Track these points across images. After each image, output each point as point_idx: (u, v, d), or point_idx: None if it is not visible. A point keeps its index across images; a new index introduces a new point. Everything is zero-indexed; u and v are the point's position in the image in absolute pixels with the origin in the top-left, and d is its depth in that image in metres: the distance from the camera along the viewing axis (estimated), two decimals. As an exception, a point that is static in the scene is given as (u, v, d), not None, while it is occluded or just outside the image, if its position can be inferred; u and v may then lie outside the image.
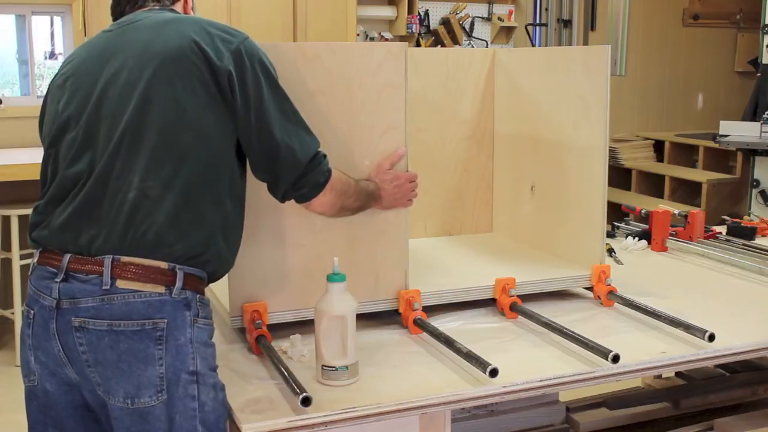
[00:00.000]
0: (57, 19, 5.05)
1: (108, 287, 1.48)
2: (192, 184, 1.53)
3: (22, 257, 4.30)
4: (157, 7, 1.73)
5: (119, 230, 1.50)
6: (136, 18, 1.68)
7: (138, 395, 1.50)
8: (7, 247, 4.32)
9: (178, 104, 1.53)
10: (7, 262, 4.39)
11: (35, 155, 4.43)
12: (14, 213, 4.19)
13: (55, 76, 1.71)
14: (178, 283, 1.52)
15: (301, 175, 1.64)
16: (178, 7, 1.78)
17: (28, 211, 4.23)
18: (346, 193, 1.75)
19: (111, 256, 1.49)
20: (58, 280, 1.51)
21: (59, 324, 1.51)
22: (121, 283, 1.49)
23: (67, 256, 1.52)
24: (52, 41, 5.14)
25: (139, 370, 1.49)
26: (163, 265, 1.51)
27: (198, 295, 1.56)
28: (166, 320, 1.50)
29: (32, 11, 4.94)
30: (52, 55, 5.18)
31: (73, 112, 1.60)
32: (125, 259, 1.49)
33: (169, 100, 1.53)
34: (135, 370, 1.49)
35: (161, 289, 1.51)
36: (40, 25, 5.08)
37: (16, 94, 5.08)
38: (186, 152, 1.53)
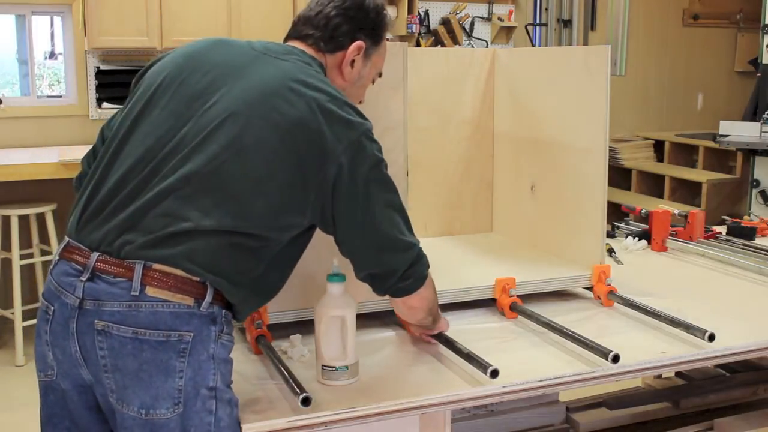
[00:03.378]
0: (57, 19, 5.06)
1: (137, 293, 1.44)
2: (241, 244, 1.50)
3: (22, 257, 4.31)
4: (309, 51, 1.68)
5: (158, 240, 1.46)
6: (284, 55, 1.62)
7: (154, 406, 1.46)
8: (7, 247, 4.33)
9: (268, 169, 1.49)
10: (7, 262, 4.40)
11: (35, 155, 4.44)
12: (14, 213, 4.19)
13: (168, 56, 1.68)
14: (208, 297, 1.48)
15: (410, 264, 1.63)
16: (334, 60, 1.69)
17: (28, 211, 4.26)
18: (435, 293, 1.75)
19: (143, 261, 1.45)
20: (84, 279, 1.47)
21: (80, 324, 1.47)
22: (150, 291, 1.45)
23: (95, 255, 1.48)
24: (52, 41, 5.15)
25: (158, 381, 1.45)
26: (195, 277, 1.47)
27: (224, 311, 1.53)
28: (192, 333, 1.47)
29: (32, 11, 4.95)
30: (52, 55, 5.19)
31: (171, 108, 1.57)
32: (157, 266, 1.45)
33: (261, 162, 1.49)
34: (155, 381, 1.45)
35: (190, 301, 1.47)
36: (40, 25, 5.09)
37: (16, 94, 5.08)
38: (252, 215, 1.50)
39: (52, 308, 1.52)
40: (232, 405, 1.52)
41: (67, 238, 1.56)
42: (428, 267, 1.68)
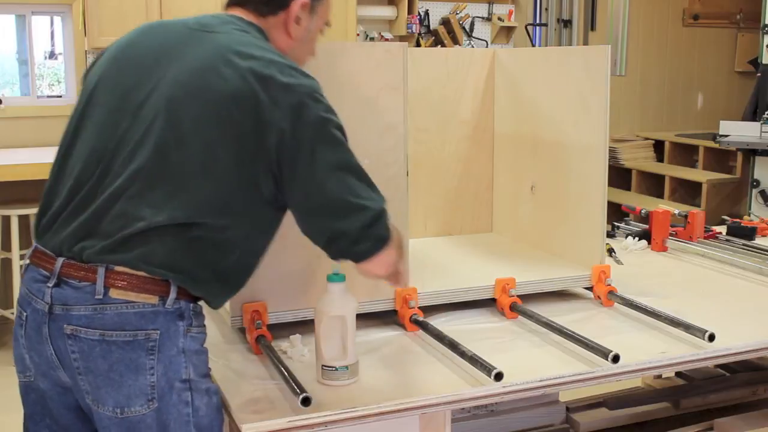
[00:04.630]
0: (57, 19, 5.06)
1: (101, 296, 1.46)
2: (199, 237, 1.49)
3: (22, 257, 4.30)
4: (249, 17, 1.64)
5: (115, 244, 1.47)
6: (219, 27, 1.58)
7: (128, 404, 1.49)
8: (7, 247, 4.33)
9: (210, 152, 1.47)
10: (7, 262, 4.40)
11: (35, 155, 4.44)
12: (14, 213, 4.19)
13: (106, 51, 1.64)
14: (172, 294, 1.49)
15: (364, 227, 1.52)
16: (278, 21, 1.65)
17: (28, 211, 4.25)
18: (401, 252, 1.66)
19: (105, 264, 1.46)
20: (51, 285, 1.49)
21: (52, 329, 1.49)
22: (114, 293, 1.46)
23: (60, 261, 1.49)
24: (52, 41, 5.15)
25: (130, 380, 1.48)
26: (156, 271, 1.48)
27: (192, 305, 1.54)
28: (158, 331, 1.48)
29: (32, 11, 4.95)
30: (52, 55, 5.19)
31: (109, 105, 1.55)
32: (119, 268, 1.46)
33: (201, 146, 1.47)
34: (126, 380, 1.48)
35: (155, 299, 1.48)
36: (40, 25, 5.09)
37: (16, 94, 5.08)
38: (203, 202, 1.48)
39: (25, 314, 1.54)
40: (210, 394, 1.55)
41: (34, 243, 1.57)
42: (388, 229, 1.56)
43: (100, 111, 1.56)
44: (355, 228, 1.51)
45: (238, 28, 1.60)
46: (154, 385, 1.48)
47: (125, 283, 1.46)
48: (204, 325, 1.58)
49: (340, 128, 1.55)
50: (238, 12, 1.65)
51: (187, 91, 1.49)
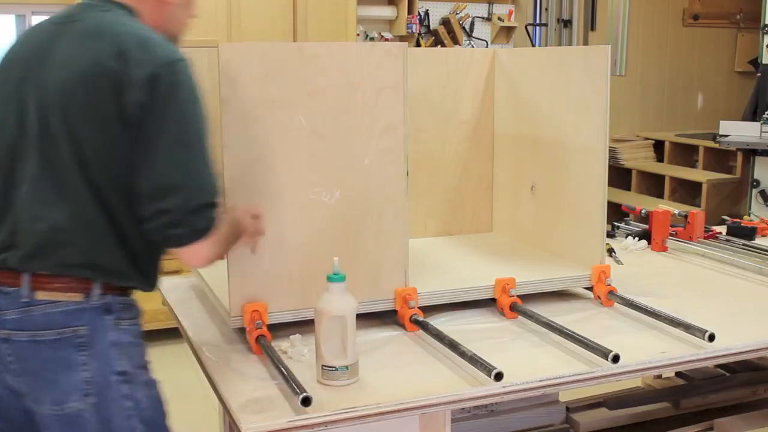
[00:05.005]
0: (57, 19, 5.05)
1: (27, 299, 1.51)
2: (103, 231, 1.53)
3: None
4: None
5: (32, 253, 1.52)
6: (82, 14, 1.60)
7: (64, 400, 1.52)
8: (7, 247, 4.32)
9: (84, 141, 1.51)
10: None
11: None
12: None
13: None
14: (96, 290, 1.53)
15: (184, 213, 1.50)
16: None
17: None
18: (226, 246, 1.65)
19: (29, 268, 1.52)
20: None
21: None
22: (40, 295, 1.52)
23: None
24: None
25: (63, 376, 1.51)
26: (77, 271, 1.53)
27: (120, 298, 1.57)
28: (86, 327, 1.52)
29: (32, 11, 4.94)
30: (52, 55, 5.18)
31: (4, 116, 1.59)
32: (42, 271, 1.52)
33: (71, 139, 1.51)
34: (60, 377, 1.51)
35: (79, 297, 1.53)
36: (40, 25, 5.08)
37: (16, 94, 5.07)
38: (89, 191, 1.52)
39: None
40: (150, 386, 1.60)
41: None
42: (210, 222, 1.53)
43: None
44: (174, 210, 1.49)
45: (101, 9, 1.60)
46: (90, 381, 1.52)
47: (49, 284, 1.52)
48: (137, 317, 1.62)
49: (192, 103, 1.53)
50: None
51: (55, 88, 1.52)
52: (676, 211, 2.83)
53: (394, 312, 1.98)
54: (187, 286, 2.36)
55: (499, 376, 1.60)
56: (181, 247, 1.55)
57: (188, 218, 1.50)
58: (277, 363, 1.65)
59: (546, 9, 6.11)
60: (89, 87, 1.49)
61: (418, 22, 5.57)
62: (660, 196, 6.05)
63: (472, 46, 5.83)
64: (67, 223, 1.52)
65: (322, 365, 1.63)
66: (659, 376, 2.87)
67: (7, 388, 1.58)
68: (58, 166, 1.52)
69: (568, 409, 2.58)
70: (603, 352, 1.71)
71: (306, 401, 1.49)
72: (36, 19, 5.02)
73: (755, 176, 5.14)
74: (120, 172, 1.52)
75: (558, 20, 6.06)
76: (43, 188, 1.52)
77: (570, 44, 5.81)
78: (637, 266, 2.53)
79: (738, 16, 6.87)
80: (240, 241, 1.72)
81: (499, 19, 5.98)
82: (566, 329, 1.84)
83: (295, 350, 1.77)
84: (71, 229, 1.52)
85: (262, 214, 1.77)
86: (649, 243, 2.75)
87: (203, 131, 1.54)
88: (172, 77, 1.50)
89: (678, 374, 2.86)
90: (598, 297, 2.13)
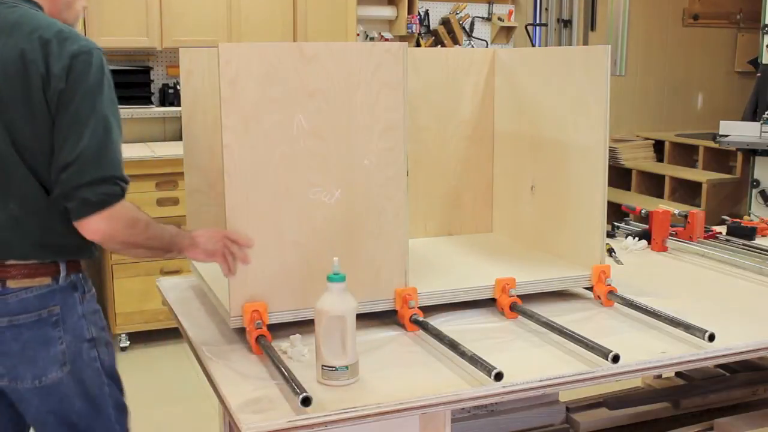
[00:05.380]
0: (57, 19, 5.05)
1: (1, 289, 1.66)
2: (46, 204, 1.66)
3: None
4: None
5: None
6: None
7: (44, 374, 1.70)
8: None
9: (16, 131, 1.63)
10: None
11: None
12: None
13: None
14: (62, 272, 1.71)
15: (73, 186, 1.60)
16: None
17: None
18: (135, 229, 1.68)
19: None
20: None
21: None
22: (11, 283, 1.67)
23: None
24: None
25: (42, 352, 1.69)
26: (45, 259, 1.69)
27: (80, 274, 1.76)
28: (59, 306, 1.71)
29: (32, 11, 4.93)
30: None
31: None
32: (9, 261, 1.67)
33: (5, 129, 1.63)
34: (39, 354, 1.69)
35: (48, 280, 1.70)
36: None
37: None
38: (32, 178, 1.65)
39: None
40: (108, 345, 1.82)
41: None
42: (102, 196, 1.61)
43: None
44: (66, 182, 1.61)
45: (9, 7, 1.70)
46: (65, 352, 1.71)
47: (19, 273, 1.68)
48: (92, 286, 1.81)
49: (97, 87, 1.64)
50: None
51: None
52: (676, 211, 2.83)
53: (394, 312, 1.98)
54: (187, 286, 2.36)
55: (499, 376, 1.60)
56: (75, 220, 1.64)
57: (79, 191, 1.60)
58: (277, 363, 1.65)
59: (546, 9, 6.11)
60: (18, 82, 1.62)
61: (418, 22, 5.57)
62: (660, 196, 6.05)
63: (472, 46, 5.83)
64: (20, 211, 1.65)
65: (322, 365, 1.63)
66: (659, 376, 2.87)
67: None
68: (1, 159, 1.64)
69: (568, 409, 2.58)
70: (603, 352, 1.71)
71: (306, 401, 1.49)
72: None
73: (755, 176, 5.14)
74: (46, 151, 1.64)
75: (558, 20, 6.06)
76: None
77: (570, 44, 5.81)
78: (637, 266, 2.53)
79: (738, 16, 6.87)
80: (195, 251, 1.79)
81: (499, 19, 5.98)
82: (566, 329, 1.85)
83: (295, 350, 1.77)
84: (24, 217, 1.65)
85: (245, 242, 1.80)
86: (649, 243, 2.75)
87: (106, 114, 1.64)
88: (82, 66, 1.63)
89: (678, 374, 2.87)
90: (598, 297, 2.13)
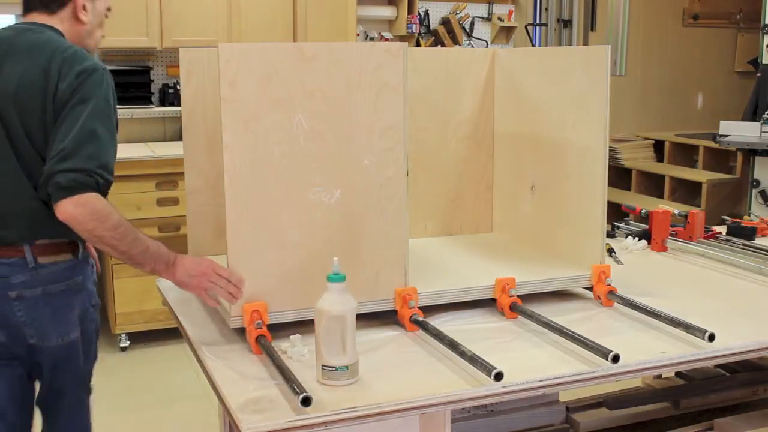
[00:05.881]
0: (57, 19, 5.05)
1: (33, 264, 1.98)
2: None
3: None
4: (40, 20, 2.08)
5: (27, 230, 1.96)
6: (17, 37, 2.03)
7: (67, 333, 2.06)
8: (7, 247, 4.32)
9: (37, 135, 1.93)
10: (7, 262, 4.39)
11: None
12: (14, 213, 4.18)
13: None
14: (81, 249, 2.06)
15: (48, 175, 1.84)
16: (67, 13, 2.09)
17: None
18: (103, 223, 1.82)
19: (27, 241, 1.97)
20: None
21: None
22: (42, 259, 1.99)
23: None
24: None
25: (68, 316, 2.05)
26: (64, 238, 2.00)
27: (87, 251, 2.09)
28: (81, 276, 2.07)
29: (32, 11, 4.93)
30: (52, 55, 5.18)
31: None
32: (39, 241, 1.98)
33: (32, 132, 1.94)
34: (65, 317, 2.04)
35: (70, 256, 2.04)
36: (40, 25, 5.08)
37: (16, 94, 5.07)
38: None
39: None
40: (97, 305, 2.17)
41: None
42: (72, 183, 1.81)
43: None
44: (46, 171, 1.85)
45: (36, 33, 2.03)
46: (80, 315, 2.08)
47: (47, 250, 2.00)
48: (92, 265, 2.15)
49: (93, 97, 1.91)
50: (33, 17, 2.10)
51: (8, 94, 1.94)
52: (676, 211, 2.83)
53: (394, 312, 1.98)
54: (187, 286, 2.36)
55: (499, 376, 1.60)
56: (53, 204, 1.84)
57: (54, 177, 1.83)
58: (277, 363, 1.65)
59: (546, 9, 6.11)
60: (38, 94, 1.92)
61: (418, 22, 5.57)
62: (660, 196, 6.05)
63: (472, 46, 5.83)
64: (40, 202, 1.94)
65: (322, 365, 1.63)
66: (659, 376, 2.87)
67: (13, 335, 2.01)
68: (26, 158, 1.94)
69: (568, 409, 2.58)
70: (603, 352, 1.71)
71: (306, 401, 1.49)
72: (36, 19, 5.00)
73: (755, 176, 5.14)
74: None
75: (558, 20, 6.06)
76: (16, 175, 1.95)
77: (570, 44, 5.82)
78: (637, 266, 2.53)
79: (738, 16, 6.87)
80: (171, 274, 1.89)
81: (499, 19, 5.98)
82: (566, 329, 1.85)
83: (295, 350, 1.77)
84: (49, 204, 1.88)
85: (236, 281, 1.84)
86: (649, 243, 2.75)
87: (94, 121, 1.89)
88: (82, 80, 1.92)
89: (678, 374, 2.87)
90: (598, 297, 2.13)
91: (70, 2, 2.08)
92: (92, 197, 1.82)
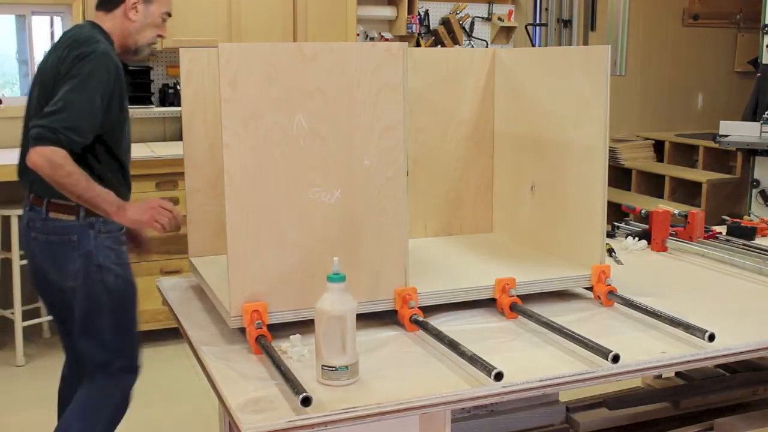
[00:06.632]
0: (57, 19, 5.05)
1: (44, 216, 2.46)
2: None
3: (22, 257, 4.30)
4: (96, 17, 2.54)
5: (46, 188, 2.35)
6: (66, 32, 2.53)
7: (67, 281, 2.49)
8: (7, 247, 4.33)
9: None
10: (7, 262, 4.40)
11: (35, 155, 4.44)
12: (14, 213, 4.18)
13: None
14: (82, 213, 2.43)
15: (34, 125, 2.28)
16: (121, 12, 2.51)
17: (28, 211, 4.25)
18: (56, 171, 2.26)
19: (47, 197, 2.44)
20: (27, 209, 2.52)
21: (27, 236, 2.54)
22: (51, 214, 2.45)
23: (31, 195, 2.50)
24: (52, 41, 5.14)
25: (63, 264, 2.47)
26: (71, 203, 2.39)
27: (101, 219, 2.43)
28: (75, 236, 2.44)
29: (32, 11, 4.94)
30: (52, 55, 5.17)
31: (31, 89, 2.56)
32: (53, 200, 2.43)
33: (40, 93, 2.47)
34: (63, 265, 2.47)
35: (72, 217, 2.44)
36: (40, 25, 5.08)
37: (16, 94, 5.08)
38: None
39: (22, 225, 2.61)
40: (116, 275, 2.48)
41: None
42: (37, 134, 2.25)
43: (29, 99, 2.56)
44: (30, 127, 2.33)
45: (78, 26, 2.55)
46: (78, 270, 2.45)
47: (54, 208, 2.44)
48: (117, 230, 2.50)
49: (83, 73, 2.33)
50: (96, 14, 2.54)
51: (42, 75, 2.48)
52: (676, 211, 2.83)
53: (394, 312, 1.98)
54: (187, 286, 2.36)
55: (499, 376, 1.60)
56: (29, 149, 2.30)
57: (30, 131, 2.30)
58: (277, 363, 1.65)
59: (546, 9, 6.11)
60: (53, 76, 2.39)
61: (418, 22, 5.57)
62: (660, 196, 6.05)
63: (472, 46, 5.83)
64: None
65: (322, 365, 1.63)
66: (659, 376, 2.87)
67: (37, 268, 2.58)
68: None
69: (568, 409, 2.58)
70: (603, 352, 1.71)
71: (306, 401, 1.49)
72: (36, 19, 5.01)
73: (755, 176, 5.14)
74: None
75: (558, 20, 6.06)
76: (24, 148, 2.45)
77: (570, 44, 5.82)
78: (637, 266, 2.53)
79: (738, 16, 6.87)
80: (122, 215, 2.37)
81: (499, 19, 5.98)
82: (566, 329, 1.85)
83: (295, 350, 1.77)
84: None
85: (176, 213, 2.42)
86: (649, 243, 2.75)
87: (76, 91, 2.31)
88: (78, 60, 2.35)
89: (678, 374, 2.87)
90: (598, 297, 2.13)
91: (123, 2, 2.49)
92: (50, 150, 2.24)
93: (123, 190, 2.51)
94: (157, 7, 2.53)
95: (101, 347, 2.50)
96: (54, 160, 2.24)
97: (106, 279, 2.46)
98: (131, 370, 2.58)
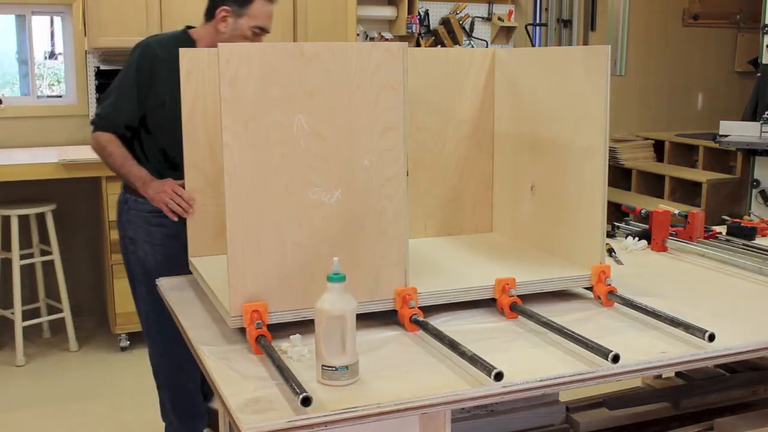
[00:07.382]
0: (57, 19, 5.05)
1: (123, 189, 2.92)
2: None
3: (22, 257, 4.31)
4: (199, 24, 2.92)
5: None
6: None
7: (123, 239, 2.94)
8: (7, 247, 4.33)
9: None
10: (7, 262, 4.40)
11: (35, 155, 4.45)
12: (14, 213, 4.19)
13: None
14: (122, 190, 2.88)
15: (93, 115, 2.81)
16: (214, 23, 2.82)
17: (28, 211, 4.26)
18: (99, 152, 2.77)
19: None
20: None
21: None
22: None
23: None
24: (52, 41, 5.15)
25: (121, 229, 2.92)
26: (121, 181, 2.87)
27: (134, 196, 2.79)
28: (118, 209, 2.89)
29: (32, 11, 4.94)
30: (52, 55, 5.18)
31: None
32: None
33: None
34: (121, 229, 2.92)
35: (124, 192, 2.87)
36: (40, 25, 5.08)
37: (16, 94, 5.08)
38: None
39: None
40: (147, 251, 2.80)
41: None
42: (91, 125, 2.80)
43: None
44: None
45: (173, 31, 2.96)
46: (119, 239, 2.90)
47: (124, 185, 2.86)
48: (145, 211, 2.76)
49: (125, 67, 2.81)
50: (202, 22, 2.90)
51: None
52: (676, 211, 2.83)
53: (394, 312, 1.98)
54: (187, 286, 2.36)
55: (499, 376, 1.60)
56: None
57: (92, 120, 2.83)
58: (277, 363, 1.65)
59: (546, 9, 6.12)
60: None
61: (418, 22, 5.57)
62: (660, 196, 6.05)
63: (472, 46, 5.83)
64: None
65: (322, 365, 1.63)
66: (659, 376, 2.87)
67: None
68: None
69: (568, 409, 2.58)
70: (603, 352, 1.71)
71: (306, 401, 1.49)
72: (36, 19, 5.02)
73: (755, 176, 5.14)
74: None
75: (558, 20, 6.07)
76: None
77: (570, 44, 5.82)
78: (637, 266, 2.53)
79: (738, 16, 6.87)
80: (145, 191, 2.71)
81: (499, 19, 5.98)
82: (566, 329, 1.85)
83: (295, 350, 1.77)
84: None
85: (187, 197, 2.42)
86: (649, 243, 2.75)
87: (113, 87, 2.79)
88: (132, 55, 2.81)
89: (678, 374, 2.87)
90: (598, 297, 2.13)
91: (214, 16, 2.80)
92: (95, 136, 2.76)
93: (164, 170, 2.74)
94: (247, 21, 2.77)
95: (139, 313, 2.93)
96: (96, 144, 2.75)
97: (138, 252, 2.81)
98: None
